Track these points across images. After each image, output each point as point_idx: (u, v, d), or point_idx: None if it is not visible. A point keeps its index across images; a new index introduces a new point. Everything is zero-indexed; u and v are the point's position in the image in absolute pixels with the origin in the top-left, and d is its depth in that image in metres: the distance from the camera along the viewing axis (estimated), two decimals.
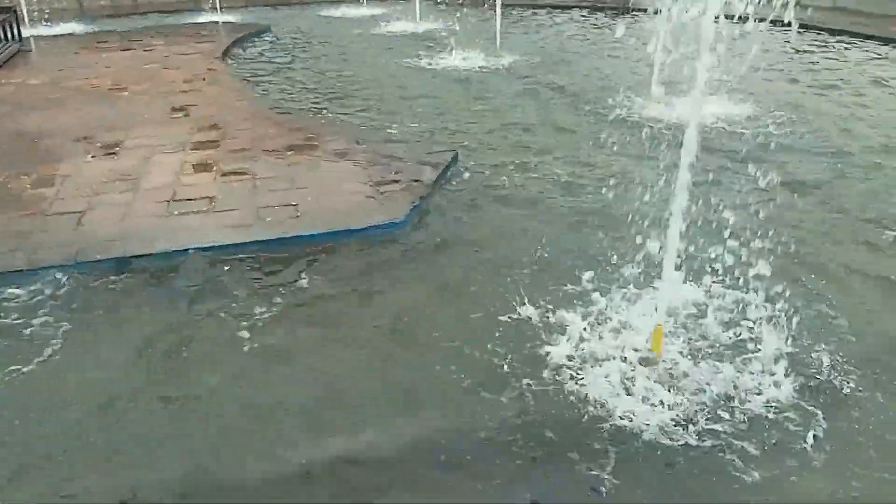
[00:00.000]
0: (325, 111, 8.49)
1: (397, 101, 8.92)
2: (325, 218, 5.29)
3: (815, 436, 3.18)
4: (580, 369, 3.63)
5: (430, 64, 10.94)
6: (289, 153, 6.65)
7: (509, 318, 4.11)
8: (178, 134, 7.28)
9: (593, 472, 3.00)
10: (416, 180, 5.96)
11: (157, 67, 10.54)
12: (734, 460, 3.05)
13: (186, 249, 4.81)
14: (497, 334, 3.96)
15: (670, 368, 3.62)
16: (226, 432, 3.31)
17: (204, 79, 9.75)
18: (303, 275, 4.63)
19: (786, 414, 3.32)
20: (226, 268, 4.70)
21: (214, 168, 6.31)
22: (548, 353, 3.76)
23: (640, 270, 4.38)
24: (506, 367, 3.69)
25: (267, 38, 13.31)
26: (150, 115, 8.00)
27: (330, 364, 3.79)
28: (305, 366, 3.78)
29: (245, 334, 4.00)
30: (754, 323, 3.98)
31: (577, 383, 3.53)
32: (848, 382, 3.54)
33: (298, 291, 4.46)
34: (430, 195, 5.76)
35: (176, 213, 5.40)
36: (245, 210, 5.43)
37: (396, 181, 5.95)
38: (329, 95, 9.22)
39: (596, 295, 4.27)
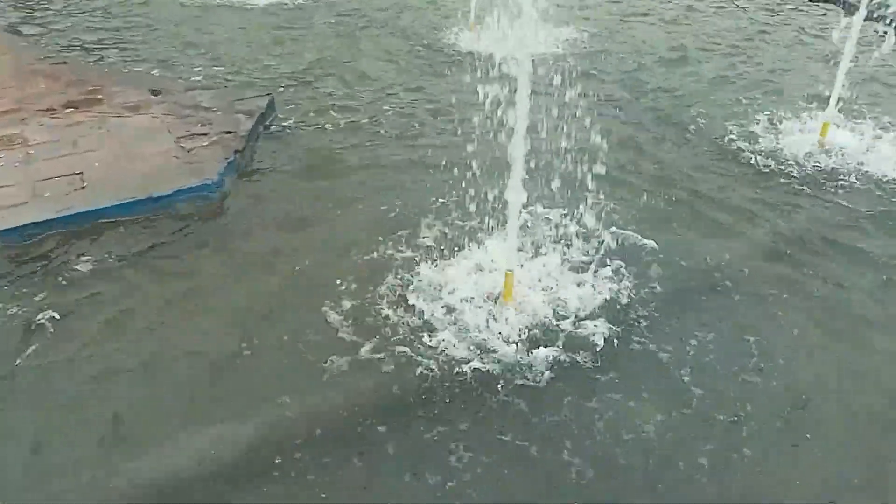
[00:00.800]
0: (108, 58, 7.28)
1: (197, 42, 7.87)
2: (120, 186, 4.48)
3: None
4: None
5: None
6: (68, 111, 5.61)
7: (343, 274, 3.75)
8: None
9: None
10: (229, 132, 5.25)
11: None
12: None
13: None
14: (335, 294, 3.59)
15: None
16: None
17: None
18: (89, 263, 3.84)
19: None
20: None
21: None
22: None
23: (479, 215, 4.15)
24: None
25: None
26: None
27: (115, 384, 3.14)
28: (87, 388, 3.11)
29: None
30: None
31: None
32: None
33: (85, 285, 3.69)
34: (245, 148, 5.09)
35: None
36: (18, 185, 4.48)
37: (205, 135, 5.20)
38: (113, 39, 7.93)
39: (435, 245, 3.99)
